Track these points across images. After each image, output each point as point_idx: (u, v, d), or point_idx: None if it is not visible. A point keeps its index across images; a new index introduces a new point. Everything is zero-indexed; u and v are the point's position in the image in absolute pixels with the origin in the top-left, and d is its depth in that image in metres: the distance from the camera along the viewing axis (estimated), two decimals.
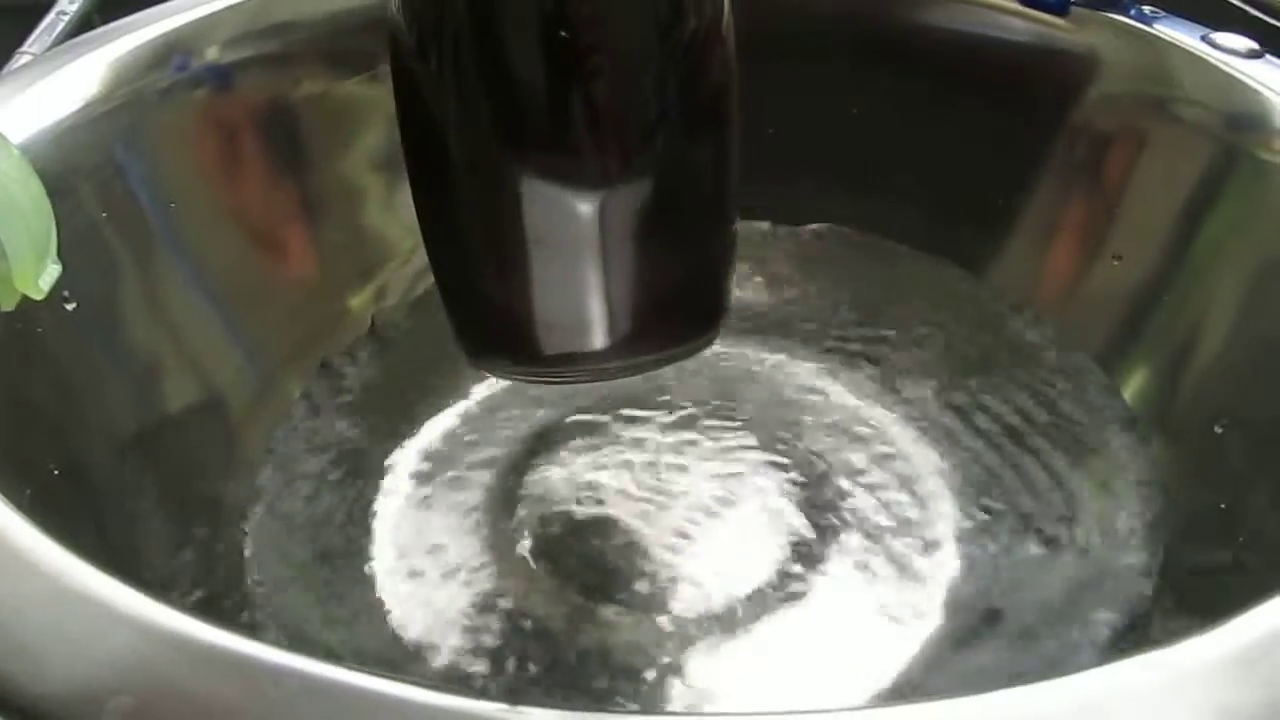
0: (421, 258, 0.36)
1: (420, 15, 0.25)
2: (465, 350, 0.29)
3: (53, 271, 0.26)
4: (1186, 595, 0.29)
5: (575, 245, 0.27)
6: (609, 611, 0.30)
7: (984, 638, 0.29)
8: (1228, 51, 0.34)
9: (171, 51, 0.34)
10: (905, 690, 0.28)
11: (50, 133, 0.31)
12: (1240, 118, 0.33)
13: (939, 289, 0.39)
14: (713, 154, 0.27)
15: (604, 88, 0.25)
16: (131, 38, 0.34)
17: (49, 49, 0.36)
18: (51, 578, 0.19)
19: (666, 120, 0.26)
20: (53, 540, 0.20)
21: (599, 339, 0.28)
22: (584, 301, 0.27)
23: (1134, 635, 0.29)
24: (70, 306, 0.29)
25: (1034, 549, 0.31)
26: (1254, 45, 0.34)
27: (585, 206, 0.26)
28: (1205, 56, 0.34)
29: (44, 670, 0.18)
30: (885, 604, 0.30)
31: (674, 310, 0.29)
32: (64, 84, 0.32)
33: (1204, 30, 0.35)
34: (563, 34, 0.24)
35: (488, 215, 0.27)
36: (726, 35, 0.26)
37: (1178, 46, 0.35)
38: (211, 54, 0.35)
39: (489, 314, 0.29)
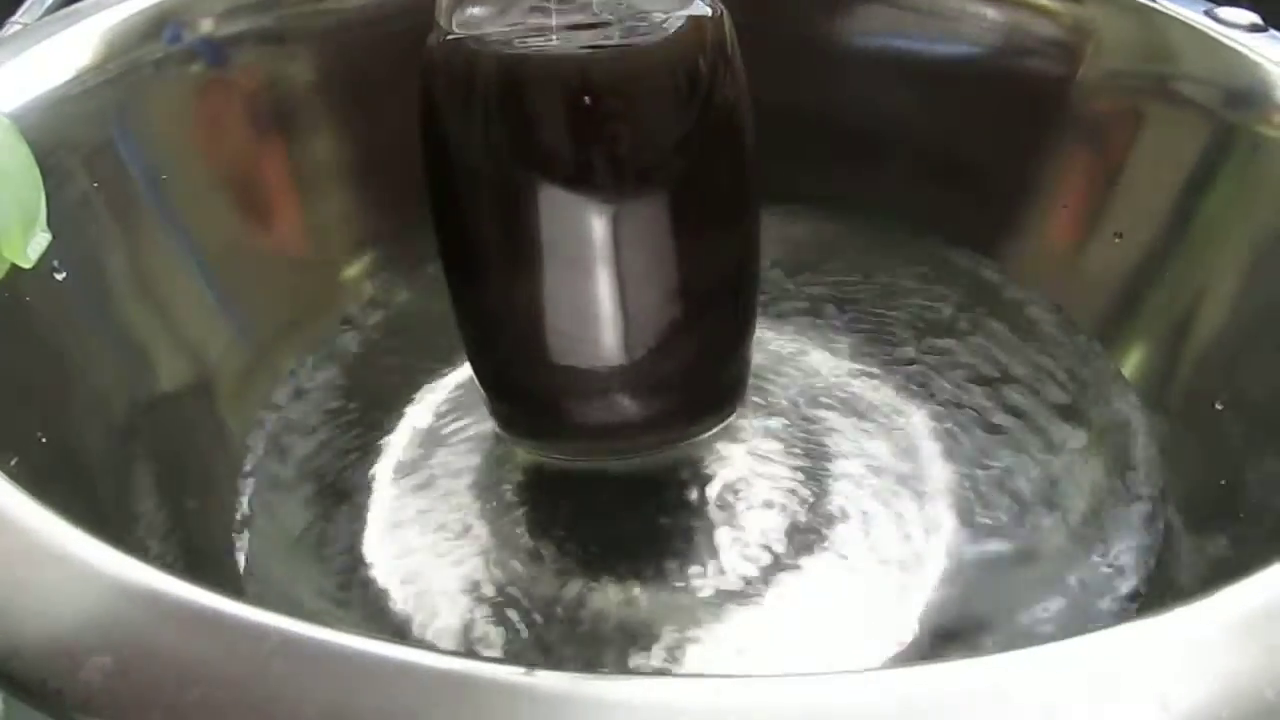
0: (412, 232, 0.36)
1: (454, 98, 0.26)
2: (500, 426, 0.31)
3: (42, 240, 0.25)
4: (1186, 572, 0.29)
5: (601, 335, 0.28)
6: (609, 585, 0.30)
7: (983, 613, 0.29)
8: (1230, 26, 0.34)
9: (164, 23, 0.34)
10: (916, 656, 0.28)
11: (41, 102, 0.31)
12: (1242, 93, 0.33)
13: (937, 265, 0.39)
14: (736, 242, 0.29)
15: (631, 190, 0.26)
16: (124, 8, 0.34)
17: (40, 18, 0.36)
18: (29, 535, 0.19)
19: (690, 208, 0.27)
20: (31, 499, 0.20)
21: (624, 419, 0.30)
22: (610, 386, 0.29)
23: (1135, 610, 0.29)
24: (60, 277, 0.29)
25: (1032, 524, 0.31)
26: (1257, 19, 0.34)
27: (610, 301, 0.27)
28: (1207, 31, 0.34)
29: (21, 629, 0.18)
30: (888, 575, 0.30)
31: (697, 389, 0.30)
32: (56, 54, 0.32)
33: (1207, 4, 0.35)
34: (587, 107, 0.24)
35: (518, 306, 0.28)
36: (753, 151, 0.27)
37: (1180, 21, 0.35)
38: (205, 26, 0.35)
39: (520, 397, 0.30)
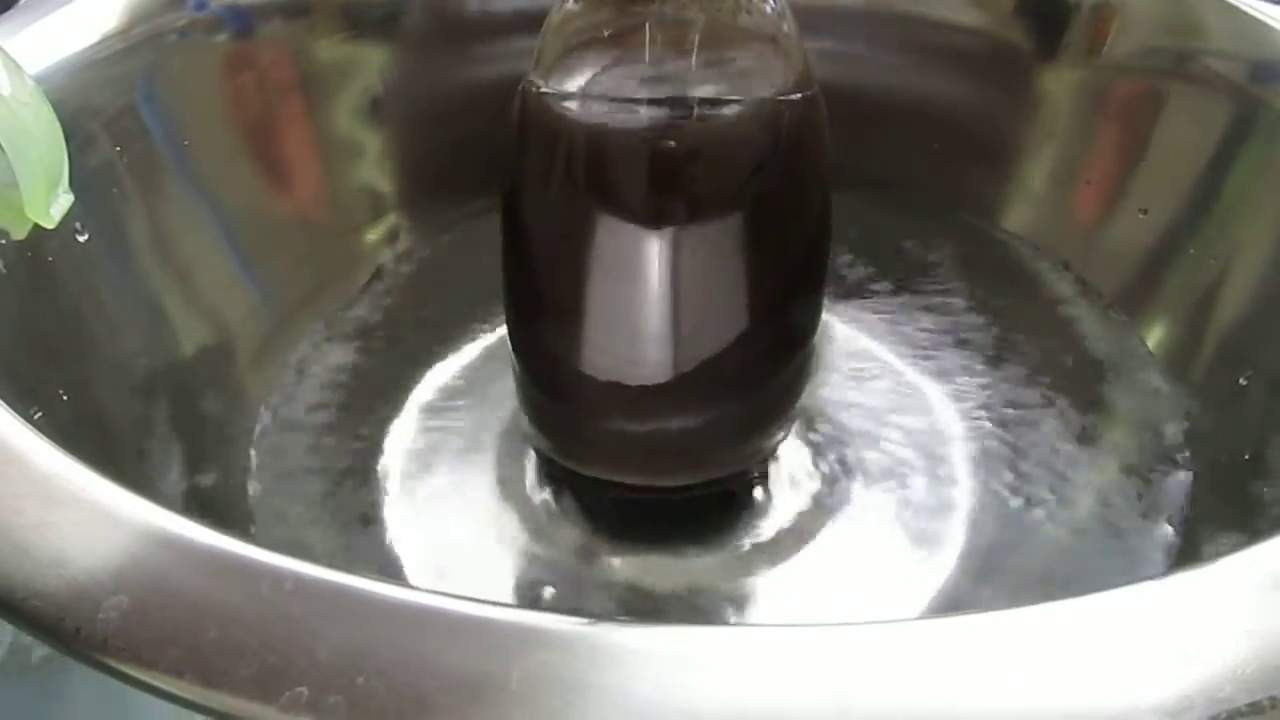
0: (433, 201, 0.36)
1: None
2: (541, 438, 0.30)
3: (64, 201, 0.25)
4: (1210, 545, 0.29)
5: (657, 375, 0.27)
6: (625, 553, 0.30)
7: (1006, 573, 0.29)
8: None
9: None
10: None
11: (67, 66, 0.31)
12: (1267, 67, 0.33)
13: (963, 238, 0.39)
14: (808, 307, 0.28)
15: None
16: None
17: None
18: (50, 479, 0.19)
19: (765, 276, 0.27)
20: (51, 445, 0.20)
21: (678, 454, 0.29)
22: (666, 425, 0.28)
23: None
24: (82, 239, 0.29)
25: (1059, 493, 0.31)
26: None
27: (672, 347, 0.27)
28: (1232, 4, 0.34)
29: (41, 570, 0.18)
30: (913, 535, 0.30)
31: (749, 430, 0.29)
32: (82, 18, 0.32)
33: None
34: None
35: (579, 350, 0.27)
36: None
37: None
38: None
39: (570, 433, 0.30)
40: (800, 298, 0.28)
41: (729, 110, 0.24)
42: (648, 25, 0.24)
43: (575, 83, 0.25)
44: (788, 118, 0.25)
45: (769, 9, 0.25)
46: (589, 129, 0.25)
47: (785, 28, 0.25)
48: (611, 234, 0.25)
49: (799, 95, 0.25)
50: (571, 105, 0.25)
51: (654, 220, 0.25)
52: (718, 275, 0.26)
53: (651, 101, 0.24)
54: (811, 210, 0.27)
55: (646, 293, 0.26)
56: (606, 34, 0.25)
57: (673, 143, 0.24)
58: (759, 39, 0.25)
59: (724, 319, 0.27)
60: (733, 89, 0.24)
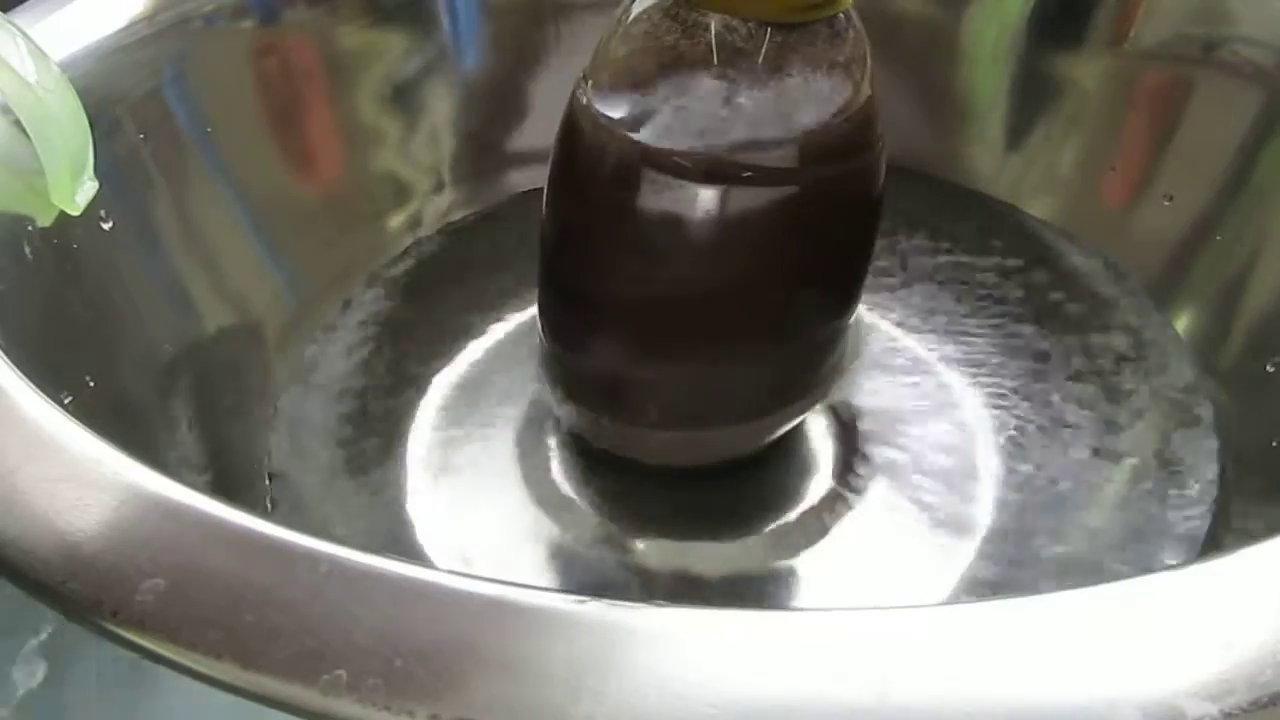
0: (454, 189, 0.36)
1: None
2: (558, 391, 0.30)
3: (89, 188, 0.25)
4: (1241, 531, 0.29)
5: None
6: (649, 536, 0.30)
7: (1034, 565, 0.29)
8: None
9: None
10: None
11: (91, 53, 0.31)
12: None
13: (988, 222, 0.39)
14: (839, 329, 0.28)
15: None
16: None
17: None
18: (84, 463, 0.19)
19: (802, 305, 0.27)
20: (85, 429, 0.20)
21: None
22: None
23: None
24: (107, 226, 0.29)
25: (1089, 480, 0.31)
26: None
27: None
28: None
29: (77, 554, 0.18)
30: (939, 524, 0.30)
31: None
32: (107, 5, 0.32)
33: None
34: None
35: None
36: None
37: None
38: None
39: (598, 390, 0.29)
40: (834, 308, 0.28)
41: (781, 150, 0.24)
42: (712, 43, 0.23)
43: (627, 104, 0.24)
44: (843, 143, 0.24)
45: (840, 29, 0.24)
46: (635, 156, 0.24)
47: (855, 47, 0.24)
48: (651, 253, 0.25)
49: (858, 119, 0.25)
50: (620, 129, 0.24)
51: (698, 244, 0.25)
52: (755, 291, 0.26)
53: (705, 135, 0.24)
54: (860, 223, 0.27)
55: (682, 294, 0.26)
56: (668, 49, 0.24)
57: (723, 178, 0.24)
58: (824, 60, 0.24)
59: (756, 327, 0.27)
60: (788, 116, 0.24)
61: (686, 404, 0.28)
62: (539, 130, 0.37)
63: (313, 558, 0.17)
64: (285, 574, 0.17)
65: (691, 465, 0.31)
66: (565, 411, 0.30)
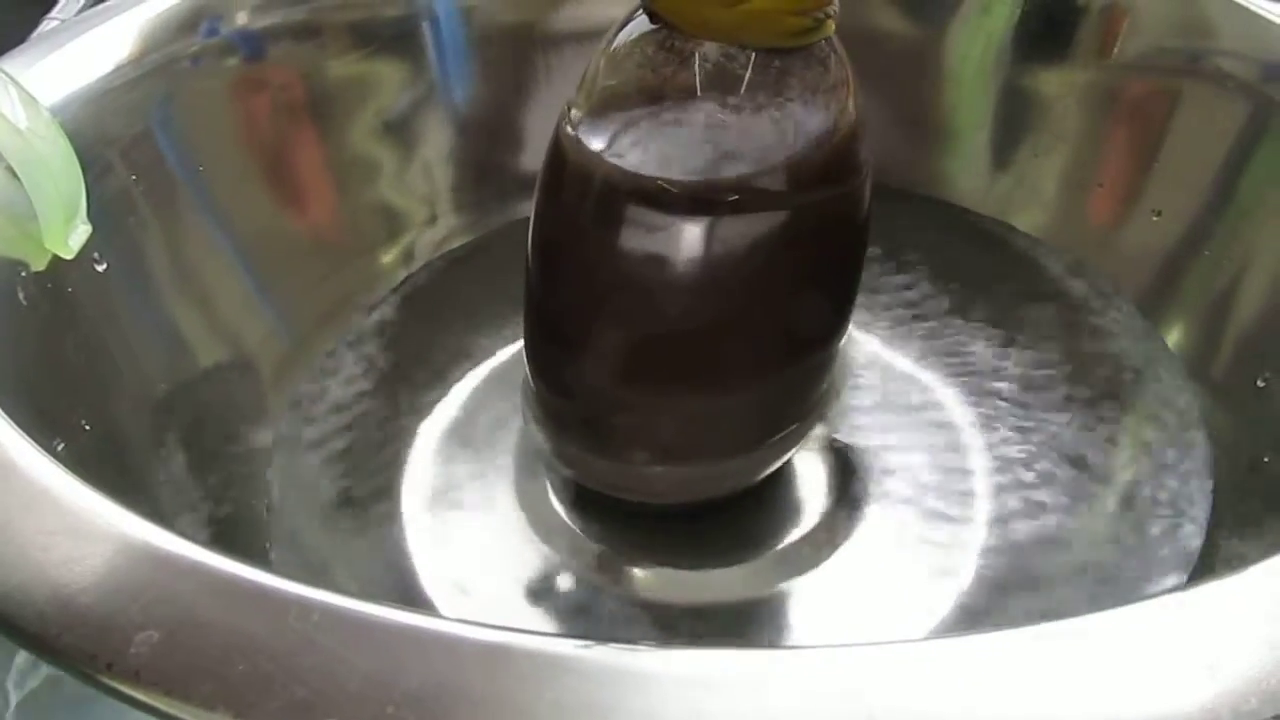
0: (446, 221, 0.36)
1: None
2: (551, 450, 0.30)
3: (83, 232, 0.26)
4: (1229, 549, 0.29)
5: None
6: (647, 566, 0.30)
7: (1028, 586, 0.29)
8: None
9: (201, 16, 0.34)
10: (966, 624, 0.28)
11: (80, 96, 0.31)
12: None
13: (976, 241, 0.39)
14: (827, 358, 0.28)
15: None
16: (160, 2, 0.34)
17: (77, 13, 0.36)
18: (77, 515, 0.19)
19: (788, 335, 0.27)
20: (79, 480, 0.20)
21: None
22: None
23: (1183, 583, 0.28)
24: (101, 268, 0.30)
25: (1077, 497, 0.31)
26: None
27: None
28: (1244, 4, 0.33)
29: (71, 606, 0.18)
30: (931, 547, 0.30)
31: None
32: (94, 48, 0.32)
33: None
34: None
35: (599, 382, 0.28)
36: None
37: None
38: (241, 19, 0.35)
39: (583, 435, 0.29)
40: (825, 333, 0.28)
41: (767, 176, 0.24)
42: (696, 70, 0.24)
43: (612, 132, 0.24)
44: (830, 168, 0.25)
45: (823, 55, 0.24)
46: (620, 183, 0.24)
47: (838, 72, 0.24)
48: (639, 283, 0.25)
49: (844, 143, 0.25)
50: (604, 157, 0.24)
51: (686, 274, 0.25)
52: (744, 321, 0.26)
53: (689, 162, 0.24)
54: (848, 246, 0.27)
55: (671, 326, 0.26)
56: (653, 76, 0.24)
57: (709, 206, 0.24)
58: (809, 86, 0.24)
59: (746, 358, 0.27)
60: (773, 142, 0.24)
61: (675, 436, 0.28)
62: (529, 161, 0.37)
63: (305, 606, 0.17)
64: (277, 623, 0.17)
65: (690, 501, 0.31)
66: (551, 449, 0.30)
